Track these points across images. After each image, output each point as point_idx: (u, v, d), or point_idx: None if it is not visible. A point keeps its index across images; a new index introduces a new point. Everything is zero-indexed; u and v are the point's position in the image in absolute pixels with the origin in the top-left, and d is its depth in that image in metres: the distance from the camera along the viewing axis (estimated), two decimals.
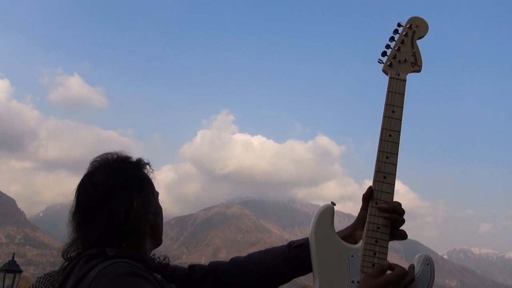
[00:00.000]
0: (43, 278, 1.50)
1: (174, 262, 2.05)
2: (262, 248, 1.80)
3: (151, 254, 1.60)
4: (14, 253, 13.00)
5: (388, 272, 1.42)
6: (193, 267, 1.76)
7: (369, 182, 1.54)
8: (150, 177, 1.65)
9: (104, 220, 1.46)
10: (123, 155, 1.61)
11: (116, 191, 1.50)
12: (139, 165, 1.63)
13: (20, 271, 11.90)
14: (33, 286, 1.49)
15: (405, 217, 1.49)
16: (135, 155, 1.62)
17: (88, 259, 1.38)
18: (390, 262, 1.47)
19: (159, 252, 1.62)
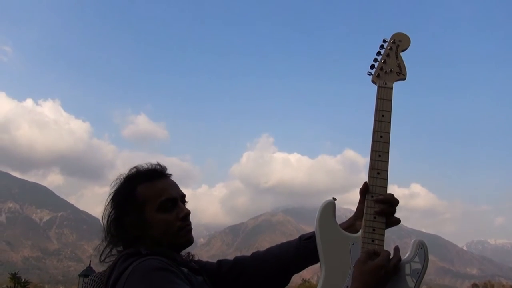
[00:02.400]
0: (94, 276, 1.52)
1: None
2: None
3: (186, 253, 1.57)
4: (90, 261, 13.23)
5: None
6: (220, 262, 1.72)
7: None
8: (151, 186, 1.52)
9: (108, 231, 1.54)
10: (129, 172, 1.59)
11: (113, 209, 1.54)
12: (135, 182, 1.53)
13: None
14: (86, 283, 1.49)
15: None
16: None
17: (126, 258, 1.40)
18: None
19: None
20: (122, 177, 1.57)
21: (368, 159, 1.50)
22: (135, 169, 1.58)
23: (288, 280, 1.65)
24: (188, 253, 1.58)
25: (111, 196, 1.55)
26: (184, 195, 1.57)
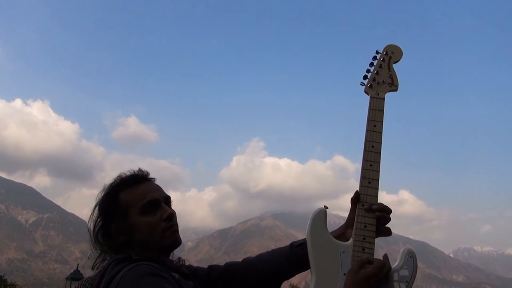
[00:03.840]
0: (84, 281, 1.52)
1: None
2: None
3: (176, 257, 1.59)
4: (78, 264, 13.10)
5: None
6: (211, 267, 1.73)
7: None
8: (133, 191, 1.55)
9: (95, 240, 1.56)
10: (113, 180, 1.60)
11: (98, 216, 1.56)
12: (117, 189, 1.56)
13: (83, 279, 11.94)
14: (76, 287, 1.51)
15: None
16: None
17: (117, 263, 1.41)
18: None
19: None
20: (106, 187, 1.59)
21: (357, 166, 1.51)
22: (118, 177, 1.59)
23: (278, 286, 1.67)
24: (179, 258, 1.59)
25: (96, 206, 1.57)
26: (168, 197, 1.58)
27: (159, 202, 1.54)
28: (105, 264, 1.48)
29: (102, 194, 1.58)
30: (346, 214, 1.52)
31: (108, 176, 1.59)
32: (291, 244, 1.67)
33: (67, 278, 11.92)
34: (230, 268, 1.69)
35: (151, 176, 1.62)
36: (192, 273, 1.59)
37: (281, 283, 1.67)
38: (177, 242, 1.53)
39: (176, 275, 1.43)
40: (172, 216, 1.53)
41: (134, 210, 1.50)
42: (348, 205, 1.54)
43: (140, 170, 1.61)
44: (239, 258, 1.69)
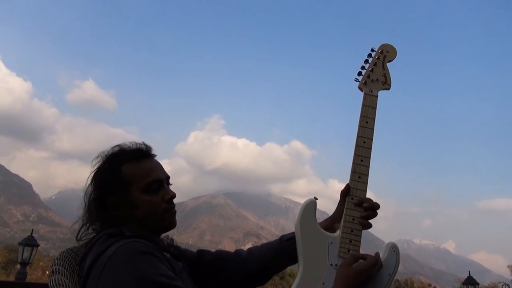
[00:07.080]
0: (66, 252, 1.45)
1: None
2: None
3: (165, 236, 1.57)
4: (32, 230, 12.76)
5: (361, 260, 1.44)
6: (202, 252, 1.73)
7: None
8: (137, 166, 1.49)
9: (88, 210, 1.49)
10: (112, 150, 1.53)
11: (95, 188, 1.49)
12: (119, 161, 1.49)
13: (37, 245, 11.73)
14: (57, 259, 1.43)
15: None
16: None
17: (107, 237, 1.36)
18: None
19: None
20: (104, 155, 1.52)
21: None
22: (118, 147, 1.54)
23: (267, 280, 1.71)
24: (167, 236, 1.58)
25: (93, 174, 1.50)
26: (168, 177, 1.56)
27: (162, 182, 1.50)
28: (93, 237, 1.43)
29: (102, 164, 1.51)
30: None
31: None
32: (281, 239, 1.70)
33: (20, 244, 11.58)
34: (222, 257, 1.70)
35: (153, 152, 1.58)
36: (180, 254, 1.58)
37: (271, 276, 1.70)
38: (173, 224, 1.51)
39: (168, 255, 1.42)
40: (173, 198, 1.51)
41: (137, 186, 1.45)
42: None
43: (144, 144, 1.56)
44: (187, 233, 1.73)
